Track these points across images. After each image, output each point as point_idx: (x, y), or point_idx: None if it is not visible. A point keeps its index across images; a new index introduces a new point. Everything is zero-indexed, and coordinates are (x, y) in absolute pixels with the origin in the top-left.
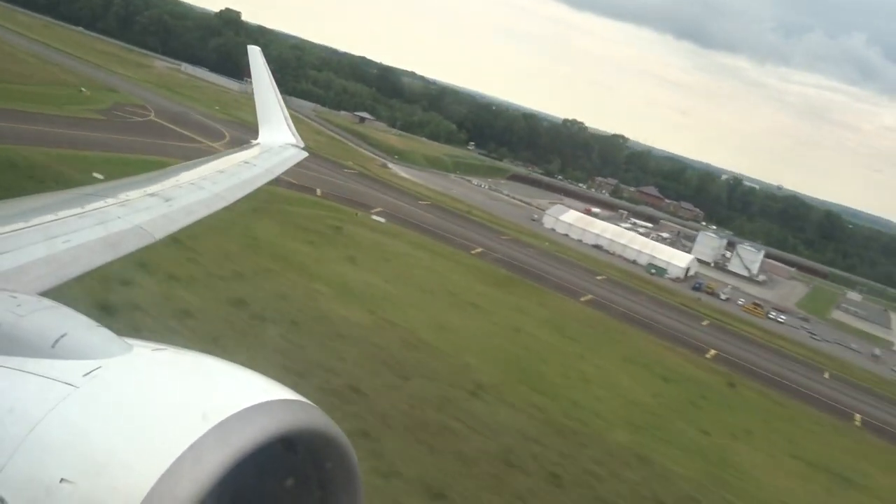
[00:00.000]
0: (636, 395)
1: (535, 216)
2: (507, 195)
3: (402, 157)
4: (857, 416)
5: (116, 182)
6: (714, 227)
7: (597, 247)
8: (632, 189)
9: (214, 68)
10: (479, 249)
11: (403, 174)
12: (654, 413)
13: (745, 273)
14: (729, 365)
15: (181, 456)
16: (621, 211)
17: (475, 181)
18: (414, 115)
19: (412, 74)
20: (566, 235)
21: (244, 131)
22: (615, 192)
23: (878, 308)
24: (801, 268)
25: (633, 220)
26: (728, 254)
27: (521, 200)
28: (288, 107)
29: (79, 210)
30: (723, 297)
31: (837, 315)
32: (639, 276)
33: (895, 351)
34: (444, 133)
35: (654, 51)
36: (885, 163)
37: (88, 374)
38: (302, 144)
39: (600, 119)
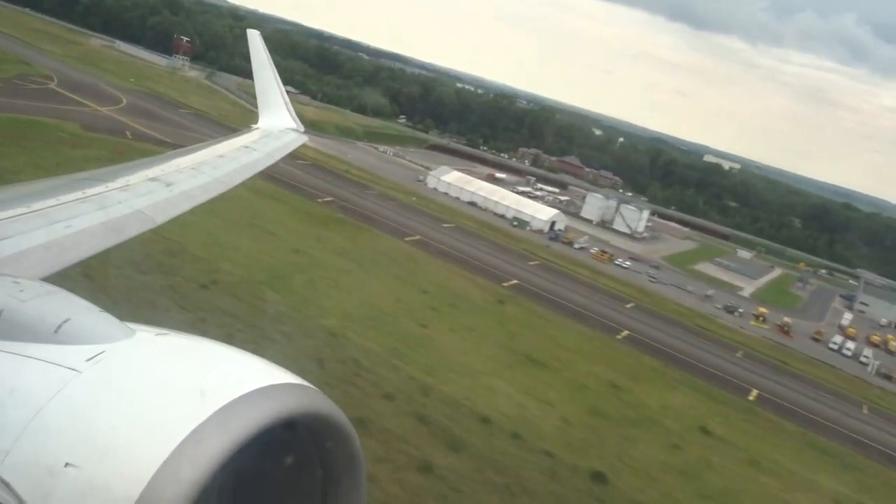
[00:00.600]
0: (379, 301)
1: (421, 177)
2: (409, 160)
3: (312, 126)
4: (624, 332)
5: (117, 167)
6: (629, 194)
7: (472, 203)
8: (553, 159)
9: (150, 46)
10: (328, 199)
11: (314, 145)
12: (385, 311)
13: (627, 230)
14: (520, 291)
15: (184, 440)
16: (528, 177)
17: (383, 148)
18: (344, 91)
19: (368, 49)
20: (446, 194)
21: (148, 100)
22: (535, 162)
23: (762, 265)
24: (705, 230)
25: (540, 185)
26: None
27: (419, 165)
28: (211, 80)
29: (79, 195)
30: (576, 246)
31: (704, 267)
32: (497, 228)
33: (741, 296)
34: (373, 107)
35: (644, 31)
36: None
37: (92, 358)
38: (302, 129)
39: (583, 98)
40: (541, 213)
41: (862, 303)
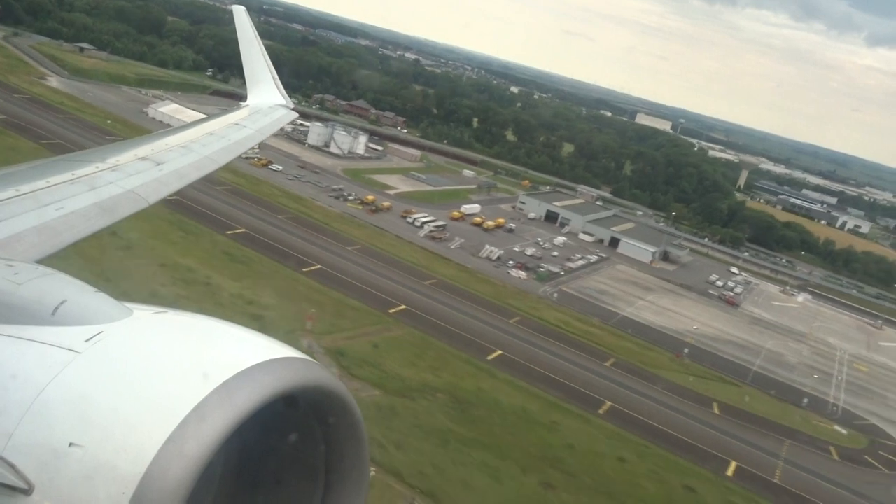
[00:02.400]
0: None
1: (145, 109)
2: (166, 99)
3: (80, 74)
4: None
5: (106, 146)
6: (405, 130)
7: None
8: (343, 103)
9: None
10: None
11: (58, 86)
12: None
13: (339, 152)
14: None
15: (187, 416)
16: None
17: (145, 92)
18: (154, 48)
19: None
20: (161, 122)
21: None
22: (322, 105)
23: (467, 178)
24: (452, 156)
25: (303, 122)
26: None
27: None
28: (9, 42)
29: (69, 176)
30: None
31: (386, 178)
32: None
33: (389, 194)
34: (174, 60)
35: None
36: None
37: (90, 339)
38: (291, 105)
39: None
40: None
41: (521, 202)
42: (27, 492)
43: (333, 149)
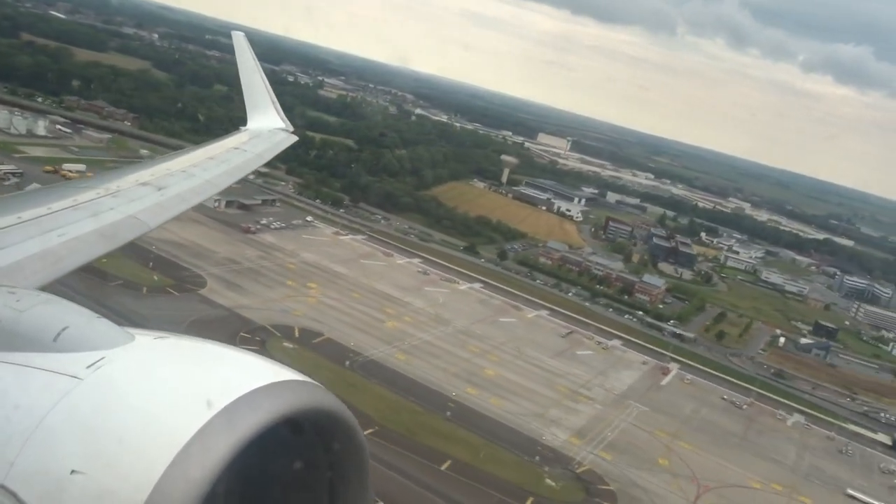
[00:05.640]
0: None
1: None
2: None
3: None
4: None
5: (107, 172)
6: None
7: None
8: (83, 102)
9: None
10: None
11: None
12: None
13: (17, 132)
14: None
15: (189, 442)
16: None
17: None
18: None
19: None
20: None
21: None
22: (60, 103)
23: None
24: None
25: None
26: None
27: None
28: None
29: (71, 202)
30: None
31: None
32: None
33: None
34: None
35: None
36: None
37: (92, 365)
38: (291, 129)
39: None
40: None
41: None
42: None
43: (12, 130)
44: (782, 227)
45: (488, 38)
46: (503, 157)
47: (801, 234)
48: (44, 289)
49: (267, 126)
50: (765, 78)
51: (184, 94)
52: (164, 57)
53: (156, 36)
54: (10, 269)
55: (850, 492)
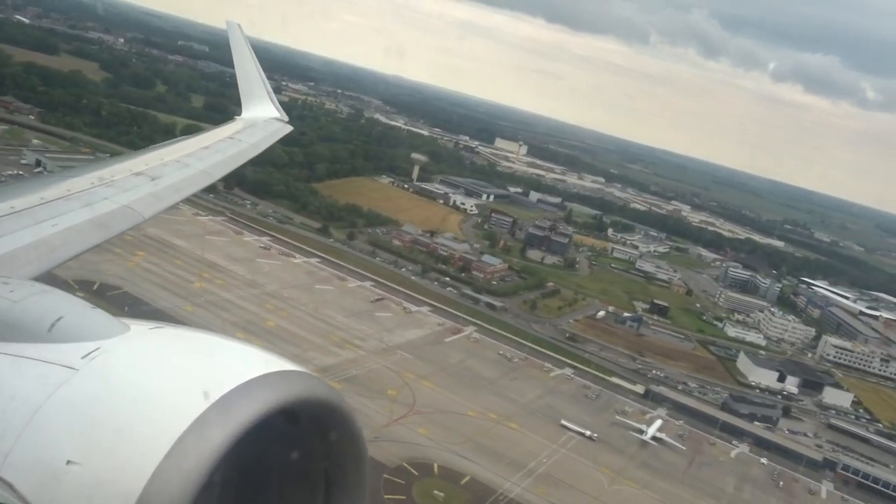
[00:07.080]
0: None
1: None
2: None
3: None
4: None
5: (100, 162)
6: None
7: None
8: None
9: None
10: None
11: None
12: None
13: None
14: None
15: (185, 432)
16: None
17: None
18: None
19: None
20: None
21: None
22: None
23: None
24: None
25: None
26: None
27: None
28: None
29: (64, 193)
30: None
31: None
32: None
33: None
34: None
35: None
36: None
37: (87, 355)
38: (286, 118)
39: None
40: None
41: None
42: None
43: None
44: (710, 228)
45: (480, 48)
46: (413, 155)
47: (728, 234)
48: (38, 279)
49: (262, 116)
50: (756, 88)
51: (117, 93)
52: (115, 60)
53: (121, 40)
54: (4, 259)
55: (564, 422)
